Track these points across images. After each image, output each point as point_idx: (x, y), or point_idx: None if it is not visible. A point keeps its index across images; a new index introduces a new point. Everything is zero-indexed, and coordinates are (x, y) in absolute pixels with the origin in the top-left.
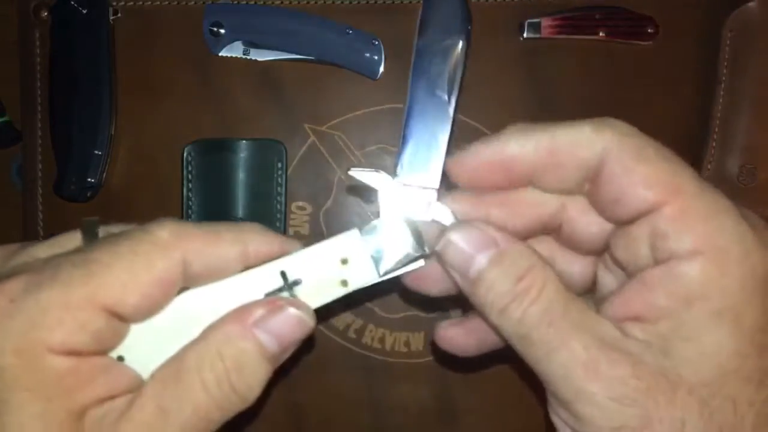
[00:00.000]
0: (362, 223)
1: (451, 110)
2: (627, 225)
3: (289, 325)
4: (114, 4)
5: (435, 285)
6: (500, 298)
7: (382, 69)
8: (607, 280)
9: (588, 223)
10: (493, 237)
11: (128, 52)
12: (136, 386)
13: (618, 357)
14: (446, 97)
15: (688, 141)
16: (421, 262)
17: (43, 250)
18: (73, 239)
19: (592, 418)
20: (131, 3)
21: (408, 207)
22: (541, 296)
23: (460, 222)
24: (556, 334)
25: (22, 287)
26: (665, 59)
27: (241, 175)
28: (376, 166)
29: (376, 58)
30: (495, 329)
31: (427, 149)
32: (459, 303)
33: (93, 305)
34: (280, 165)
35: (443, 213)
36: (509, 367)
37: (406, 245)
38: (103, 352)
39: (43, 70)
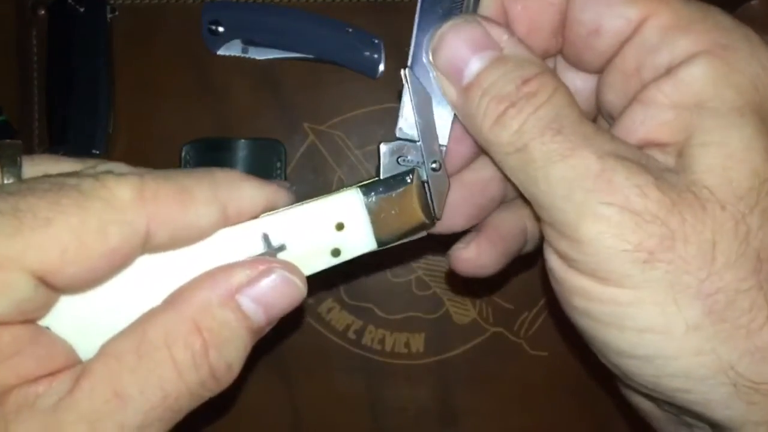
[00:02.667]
0: (362, 180)
1: None
2: (610, 65)
3: (279, 291)
4: (112, 2)
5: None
6: (497, 103)
7: (382, 68)
8: None
9: (570, 81)
10: (498, 37)
11: (126, 50)
12: (74, 364)
13: (638, 169)
14: None
15: None
16: (424, 232)
17: None
18: None
19: (599, 238)
20: (129, 1)
21: (415, 162)
22: (550, 101)
23: (459, 17)
24: (564, 143)
25: None
26: None
27: None
28: (376, 166)
29: (376, 57)
30: (489, 152)
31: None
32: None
33: (17, 266)
34: (279, 164)
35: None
36: (509, 369)
37: (412, 210)
38: (27, 321)
39: (41, 69)
